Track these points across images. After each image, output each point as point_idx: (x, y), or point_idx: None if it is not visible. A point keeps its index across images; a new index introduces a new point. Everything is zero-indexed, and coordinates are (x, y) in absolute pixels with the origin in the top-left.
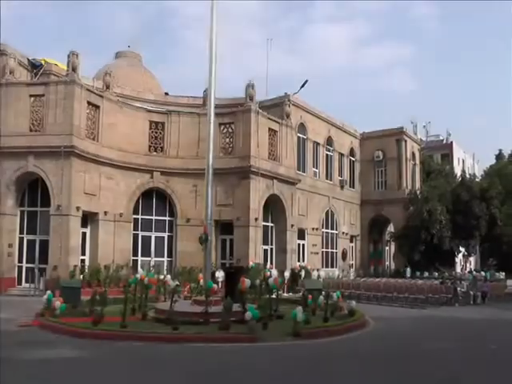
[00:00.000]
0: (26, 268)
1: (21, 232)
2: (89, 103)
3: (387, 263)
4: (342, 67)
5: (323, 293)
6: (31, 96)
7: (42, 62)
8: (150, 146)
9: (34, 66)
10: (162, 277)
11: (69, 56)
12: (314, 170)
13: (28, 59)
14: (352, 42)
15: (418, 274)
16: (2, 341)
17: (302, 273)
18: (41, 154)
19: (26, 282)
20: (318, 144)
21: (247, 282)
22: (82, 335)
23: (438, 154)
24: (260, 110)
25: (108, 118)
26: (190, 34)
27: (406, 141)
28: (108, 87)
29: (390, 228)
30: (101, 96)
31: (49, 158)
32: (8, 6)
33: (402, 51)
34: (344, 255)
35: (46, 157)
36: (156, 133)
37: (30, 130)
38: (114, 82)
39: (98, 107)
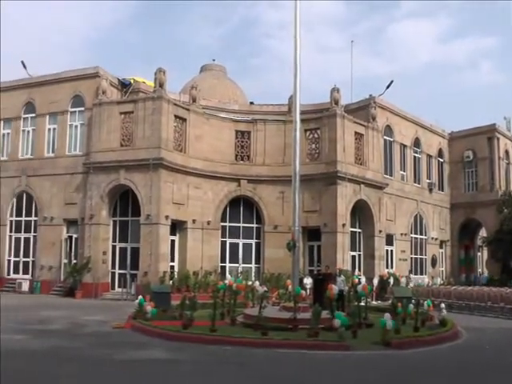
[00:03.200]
0: (119, 274)
1: (113, 240)
2: (176, 117)
3: (479, 270)
4: (427, 64)
5: (413, 301)
6: (121, 113)
7: (131, 81)
8: (236, 155)
9: (124, 85)
10: (250, 283)
11: (156, 73)
12: (402, 173)
13: (118, 79)
14: (435, 38)
15: None
16: (98, 341)
17: (391, 280)
18: (131, 167)
19: (119, 286)
20: (405, 146)
21: (335, 289)
22: (172, 338)
23: None
24: (345, 114)
25: (194, 130)
26: (273, 42)
27: (498, 138)
28: (194, 100)
29: (482, 232)
30: (187, 109)
31: (138, 170)
32: (98, 30)
33: (486, 43)
34: (434, 262)
35: (135, 169)
36: (242, 142)
37: (121, 145)
38: (200, 95)
39: (184, 120)
